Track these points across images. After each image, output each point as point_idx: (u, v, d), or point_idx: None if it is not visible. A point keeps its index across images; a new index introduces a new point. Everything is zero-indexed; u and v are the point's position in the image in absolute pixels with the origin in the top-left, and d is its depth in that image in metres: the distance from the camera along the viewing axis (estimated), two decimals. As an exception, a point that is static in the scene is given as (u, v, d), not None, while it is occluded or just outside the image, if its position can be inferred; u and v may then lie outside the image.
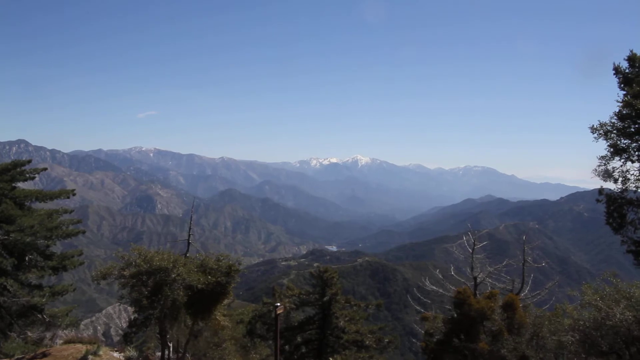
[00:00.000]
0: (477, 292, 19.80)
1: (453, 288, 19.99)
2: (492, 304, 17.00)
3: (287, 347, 27.01)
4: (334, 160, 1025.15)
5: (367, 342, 26.33)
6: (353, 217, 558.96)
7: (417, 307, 23.74)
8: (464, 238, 22.69)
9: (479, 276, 20.41)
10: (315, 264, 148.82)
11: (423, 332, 20.34)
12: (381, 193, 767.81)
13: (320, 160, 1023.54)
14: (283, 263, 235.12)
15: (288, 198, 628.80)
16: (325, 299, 26.72)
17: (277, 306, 18.84)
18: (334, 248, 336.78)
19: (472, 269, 20.65)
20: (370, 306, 29.33)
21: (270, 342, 26.79)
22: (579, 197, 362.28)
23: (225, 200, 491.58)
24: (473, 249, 20.89)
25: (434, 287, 22.30)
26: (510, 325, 16.56)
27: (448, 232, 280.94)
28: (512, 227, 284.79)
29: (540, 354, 15.34)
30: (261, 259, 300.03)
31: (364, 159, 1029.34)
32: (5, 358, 20.29)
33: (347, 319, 26.92)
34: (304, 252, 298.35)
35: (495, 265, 21.04)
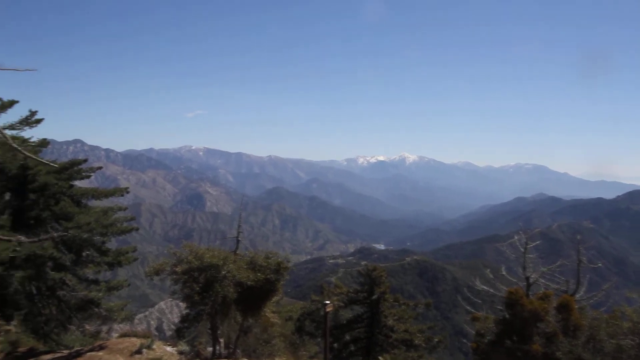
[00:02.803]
0: (530, 293, 19.33)
1: (504, 288, 19.56)
2: (546, 305, 16.55)
3: (335, 345, 27.04)
4: (381, 158, 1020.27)
5: (416, 342, 26.09)
6: (400, 215, 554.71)
7: (467, 307, 23.33)
8: (515, 237, 22.15)
9: (532, 276, 19.91)
10: (363, 262, 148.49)
11: (474, 332, 20.00)
12: (429, 191, 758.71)
13: (367, 159, 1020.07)
14: (331, 261, 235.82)
15: (335, 196, 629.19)
16: (373, 297, 26.62)
17: (327, 304, 18.87)
18: (381, 246, 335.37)
19: (524, 268, 20.16)
20: (419, 305, 29.04)
21: (319, 339, 26.88)
22: (636, 195, 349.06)
23: (273, 198, 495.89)
24: (525, 249, 20.37)
25: (485, 287, 21.89)
26: (566, 327, 16.09)
27: (498, 231, 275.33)
28: (565, 226, 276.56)
29: (597, 357, 14.86)
30: (309, 257, 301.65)
31: (411, 157, 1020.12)
32: (65, 349, 21.08)
33: (395, 317, 26.74)
34: (352, 250, 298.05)
35: (548, 266, 20.48)
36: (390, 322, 26.53)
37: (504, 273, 22.59)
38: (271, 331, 21.44)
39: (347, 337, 27.71)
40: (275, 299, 19.22)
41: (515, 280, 20.85)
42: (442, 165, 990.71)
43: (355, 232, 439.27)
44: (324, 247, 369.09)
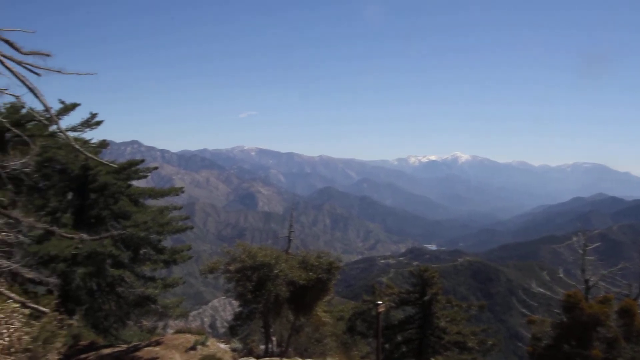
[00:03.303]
0: (589, 296, 18.69)
1: (562, 291, 18.98)
2: (607, 309, 15.96)
3: (387, 345, 26.88)
4: (432, 157, 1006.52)
5: (470, 344, 25.64)
6: (453, 216, 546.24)
7: (523, 310, 22.77)
8: (574, 238, 21.44)
9: (591, 279, 19.24)
10: (415, 263, 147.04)
11: (529, 335, 19.48)
12: (482, 191, 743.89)
13: (419, 158, 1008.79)
14: (382, 261, 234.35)
15: (386, 196, 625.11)
16: (425, 298, 26.32)
17: (379, 304, 18.79)
18: (433, 247, 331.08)
19: (583, 271, 19.49)
20: (472, 307, 28.57)
21: (371, 339, 26.79)
22: None
23: (323, 198, 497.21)
24: (584, 250, 19.70)
25: (541, 290, 21.31)
26: (628, 332, 15.48)
27: (555, 232, 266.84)
28: (627, 228, 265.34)
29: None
30: (360, 257, 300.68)
31: (463, 156, 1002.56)
32: (124, 344, 21.75)
33: (448, 319, 26.36)
34: (403, 251, 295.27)
35: (609, 268, 19.76)
36: (442, 323, 26.17)
37: (561, 275, 21.92)
38: (323, 330, 21.50)
39: (399, 338, 27.50)
40: (326, 298, 19.28)
41: (573, 283, 20.19)
42: (496, 165, 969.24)
43: (407, 232, 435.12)
44: (375, 247, 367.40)
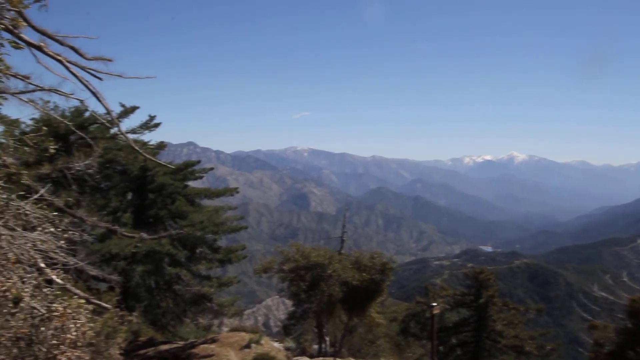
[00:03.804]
0: (656, 301, 17.87)
1: (626, 295, 18.26)
2: (675, 315, 15.24)
3: (441, 348, 26.52)
4: (487, 157, 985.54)
5: (527, 348, 24.98)
6: (509, 217, 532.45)
7: (583, 314, 22.08)
8: (638, 241, 20.55)
9: (658, 283, 18.41)
10: (469, 265, 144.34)
11: (591, 341, 18.81)
12: (540, 191, 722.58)
13: (474, 158, 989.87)
14: (435, 262, 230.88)
15: (440, 196, 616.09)
16: (481, 301, 25.81)
17: (433, 306, 18.56)
18: (488, 248, 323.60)
19: (649, 275, 18.67)
20: (529, 310, 27.87)
21: (424, 341, 26.49)
22: None
23: (376, 198, 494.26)
24: (650, 253, 18.86)
25: (603, 294, 20.61)
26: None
27: (618, 235, 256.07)
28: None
29: None
30: (413, 258, 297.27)
31: (520, 156, 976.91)
32: (181, 340, 22.26)
33: (504, 322, 25.77)
34: (457, 252, 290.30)
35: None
36: (498, 326, 25.61)
37: (625, 279, 21.21)
38: (376, 331, 21.39)
39: (454, 341, 27.09)
40: (380, 299, 19.16)
41: (638, 287, 19.36)
42: (554, 165, 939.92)
43: (461, 234, 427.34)
44: (428, 248, 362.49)
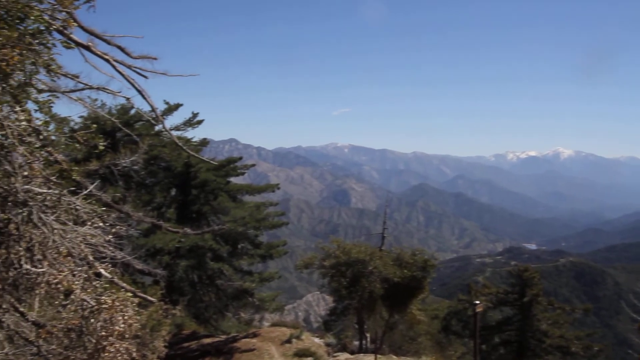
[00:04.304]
0: None
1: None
2: None
3: (484, 346, 26.15)
4: (532, 153, 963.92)
5: (574, 349, 24.39)
6: (554, 214, 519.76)
7: (633, 315, 21.36)
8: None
9: None
10: (513, 263, 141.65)
11: (641, 342, 18.24)
12: (587, 188, 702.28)
13: (517, 154, 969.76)
14: (477, 260, 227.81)
15: (482, 193, 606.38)
16: (525, 299, 25.33)
17: (476, 304, 18.32)
18: (532, 246, 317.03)
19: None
20: (576, 310, 27.20)
21: (466, 340, 26.18)
22: None
23: (417, 194, 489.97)
24: None
25: (654, 294, 19.87)
26: None
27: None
28: None
29: None
30: (455, 255, 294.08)
31: (566, 152, 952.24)
32: (223, 334, 22.60)
33: (549, 322, 25.22)
34: (500, 250, 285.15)
35: None
36: (543, 326, 25.08)
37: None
38: (417, 329, 21.27)
39: (497, 340, 26.69)
40: (421, 296, 19.05)
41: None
42: (602, 160, 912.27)
43: (504, 231, 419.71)
44: (470, 246, 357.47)
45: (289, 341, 20.34)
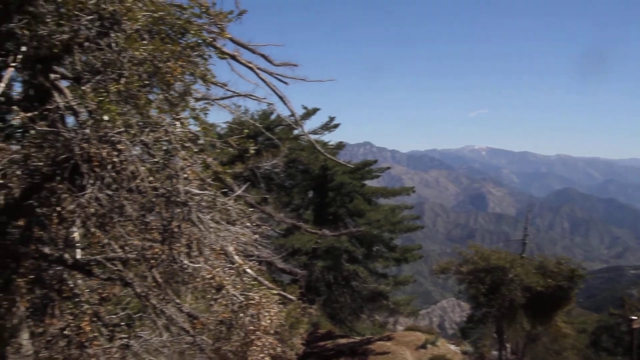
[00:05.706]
0: None
1: None
2: None
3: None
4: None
5: None
6: None
7: None
8: None
9: None
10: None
11: None
12: None
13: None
14: (632, 272, 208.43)
15: (637, 199, 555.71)
16: (689, 317, 22.80)
17: (633, 320, 16.86)
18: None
19: None
20: None
21: (619, 358, 24.14)
22: None
23: (561, 199, 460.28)
24: None
25: None
26: None
27: None
28: None
29: None
30: (604, 265, 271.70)
31: None
32: (357, 336, 22.85)
33: None
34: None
35: None
36: None
37: None
38: (562, 342, 20.01)
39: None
40: (567, 308, 17.93)
41: None
42: None
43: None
44: (622, 256, 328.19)
45: (423, 347, 20.08)
